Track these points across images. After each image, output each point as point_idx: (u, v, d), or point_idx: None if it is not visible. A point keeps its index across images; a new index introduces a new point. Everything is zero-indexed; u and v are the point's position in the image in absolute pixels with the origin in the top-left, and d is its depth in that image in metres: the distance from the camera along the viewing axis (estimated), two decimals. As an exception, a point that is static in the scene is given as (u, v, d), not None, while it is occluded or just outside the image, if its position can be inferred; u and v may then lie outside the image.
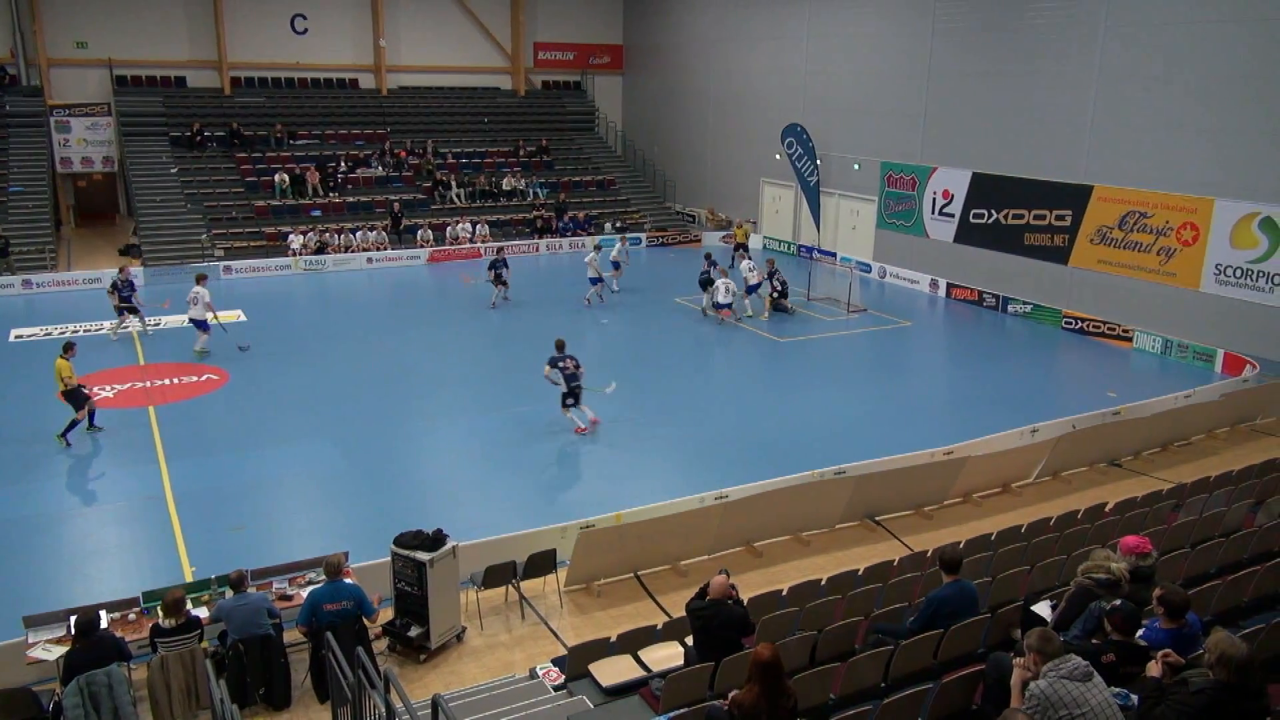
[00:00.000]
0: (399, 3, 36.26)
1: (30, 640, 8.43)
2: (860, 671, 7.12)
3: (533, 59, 39.48)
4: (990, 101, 24.84)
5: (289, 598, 9.23)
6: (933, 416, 16.89)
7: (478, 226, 31.62)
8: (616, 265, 25.47)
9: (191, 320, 19.76)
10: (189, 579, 10.44)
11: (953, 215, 26.37)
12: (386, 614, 9.46)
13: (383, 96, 36.62)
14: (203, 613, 8.66)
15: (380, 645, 9.28)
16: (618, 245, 26.23)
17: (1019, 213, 24.49)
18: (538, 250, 31.84)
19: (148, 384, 18.03)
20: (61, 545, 11.93)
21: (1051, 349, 21.93)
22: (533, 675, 8.45)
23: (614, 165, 38.48)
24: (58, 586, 10.80)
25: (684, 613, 7.90)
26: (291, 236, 28.96)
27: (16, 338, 21.00)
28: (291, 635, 8.80)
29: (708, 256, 25.20)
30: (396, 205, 31.17)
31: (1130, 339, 21.58)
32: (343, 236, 29.70)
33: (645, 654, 8.05)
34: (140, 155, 31.32)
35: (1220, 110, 19.72)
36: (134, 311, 20.94)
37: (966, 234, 26.06)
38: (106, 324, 21.20)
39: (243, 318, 22.49)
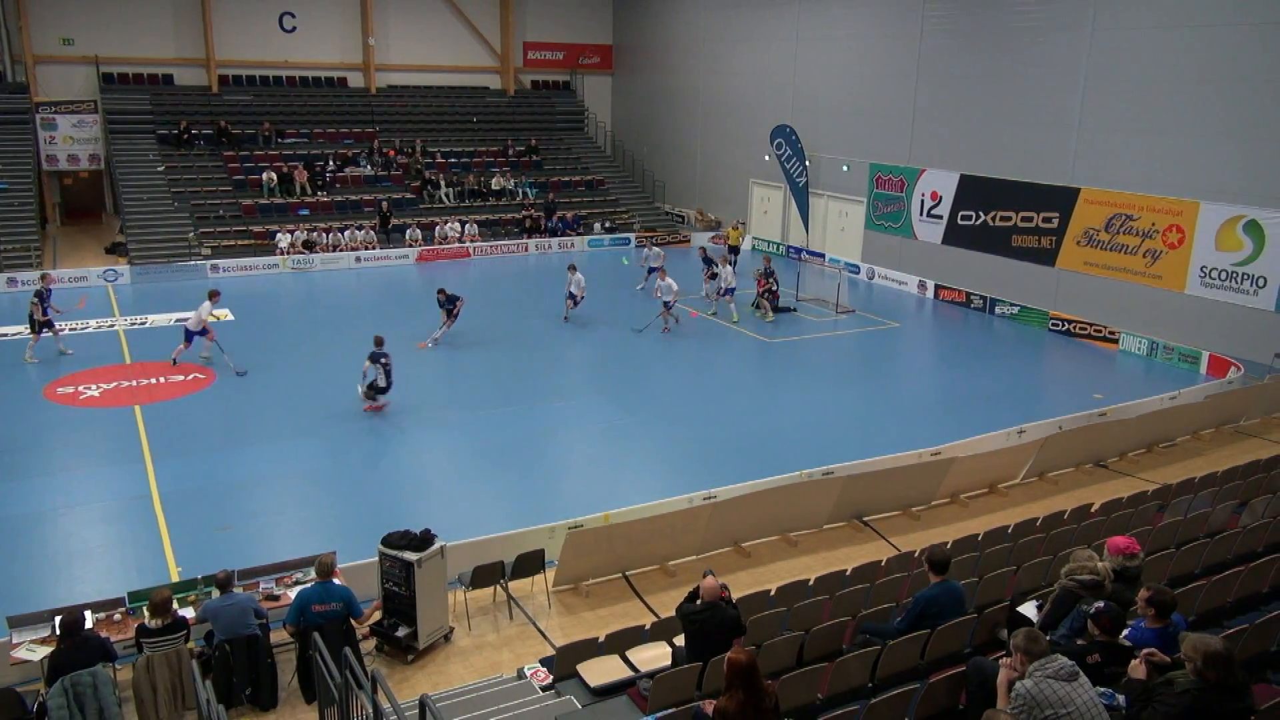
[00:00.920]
0: (388, 1, 36.16)
1: (14, 641, 8.36)
2: (847, 672, 7.14)
3: (522, 58, 39.44)
4: (978, 104, 24.95)
5: (276, 598, 9.20)
6: (920, 417, 16.95)
7: (466, 226, 31.56)
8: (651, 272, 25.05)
9: (181, 325, 18.98)
10: (175, 579, 10.39)
11: (941, 217, 26.48)
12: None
13: (371, 95, 36.52)
14: (189, 613, 8.61)
15: (368, 646, 9.25)
16: (646, 251, 26.26)
17: (1006, 215, 24.60)
18: (526, 250, 31.81)
19: (134, 383, 17.93)
20: (46, 545, 11.84)
21: (1038, 350, 22.04)
22: (520, 675, 8.44)
23: (603, 165, 38.48)
24: (42, 586, 10.74)
25: (673, 613, 7.90)
26: (279, 235, 28.85)
27: (1, 336, 20.84)
28: (278, 636, 8.76)
29: (702, 252, 25.22)
30: (385, 204, 31.09)
31: (1116, 341, 21.70)
32: (331, 236, 29.59)
33: (633, 654, 8.05)
34: (127, 153, 31.14)
35: (1206, 114, 19.86)
36: (49, 326, 19.12)
37: (954, 235, 26.17)
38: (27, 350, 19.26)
39: (230, 317, 22.37)
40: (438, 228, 31.17)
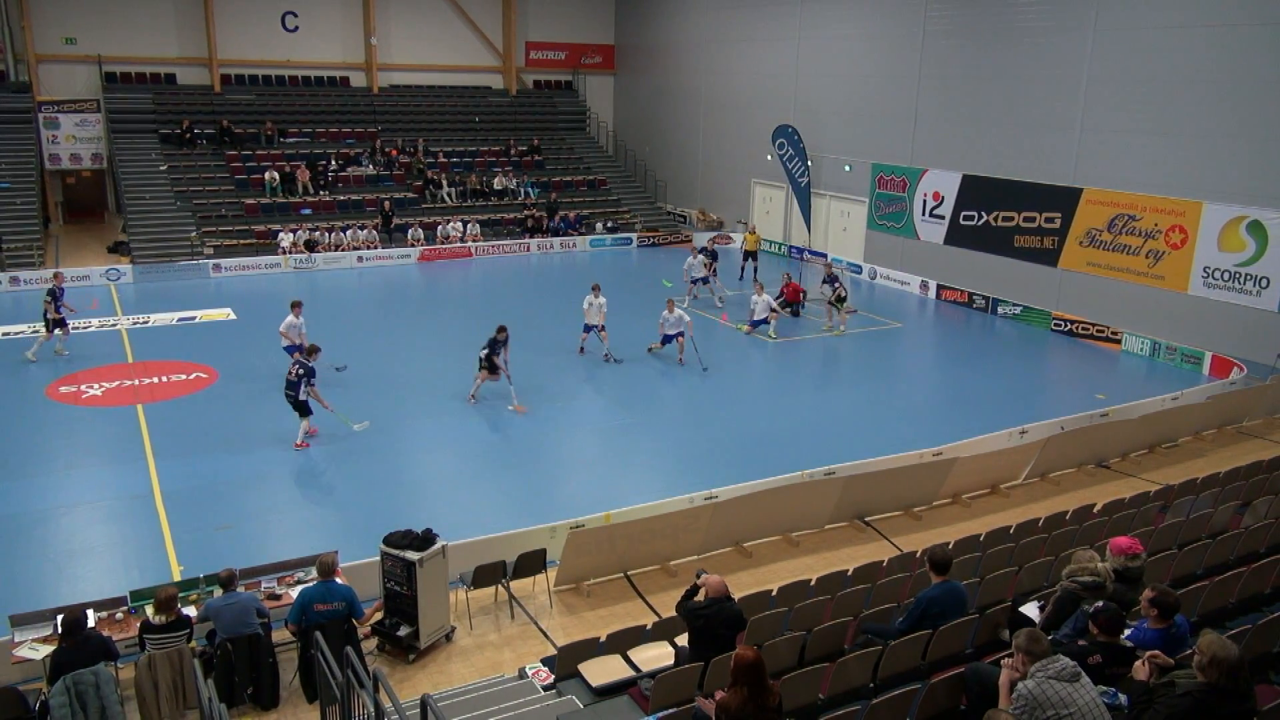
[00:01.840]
0: (389, 1, 36.18)
1: (16, 639, 8.37)
2: (849, 672, 7.13)
3: (524, 58, 39.43)
4: (981, 104, 24.93)
5: (277, 597, 9.21)
6: (922, 417, 16.94)
7: (468, 226, 31.56)
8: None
9: (286, 349, 17.35)
10: (176, 578, 10.39)
11: (943, 217, 26.46)
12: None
13: (373, 95, 36.52)
14: (191, 612, 8.62)
15: (369, 645, 9.25)
16: (691, 260, 24.99)
17: (1009, 215, 24.58)
18: (528, 250, 31.80)
19: (136, 382, 17.94)
20: (48, 544, 11.85)
21: (1040, 351, 22.02)
22: (522, 675, 8.44)
23: (605, 165, 38.47)
24: (44, 585, 10.75)
25: (674, 613, 7.89)
26: (281, 235, 28.85)
27: (4, 335, 20.86)
28: (280, 635, 8.77)
29: (704, 250, 25.21)
30: (387, 204, 31.09)
31: (1119, 341, 21.68)
32: (333, 235, 29.60)
33: (635, 654, 8.05)
34: (129, 152, 31.15)
35: (1208, 114, 19.84)
36: (61, 325, 19.12)
37: (957, 236, 26.14)
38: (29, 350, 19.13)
39: (232, 316, 22.39)
40: (440, 227, 31.17)
